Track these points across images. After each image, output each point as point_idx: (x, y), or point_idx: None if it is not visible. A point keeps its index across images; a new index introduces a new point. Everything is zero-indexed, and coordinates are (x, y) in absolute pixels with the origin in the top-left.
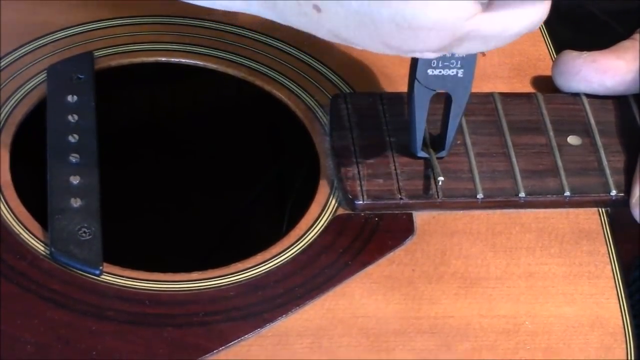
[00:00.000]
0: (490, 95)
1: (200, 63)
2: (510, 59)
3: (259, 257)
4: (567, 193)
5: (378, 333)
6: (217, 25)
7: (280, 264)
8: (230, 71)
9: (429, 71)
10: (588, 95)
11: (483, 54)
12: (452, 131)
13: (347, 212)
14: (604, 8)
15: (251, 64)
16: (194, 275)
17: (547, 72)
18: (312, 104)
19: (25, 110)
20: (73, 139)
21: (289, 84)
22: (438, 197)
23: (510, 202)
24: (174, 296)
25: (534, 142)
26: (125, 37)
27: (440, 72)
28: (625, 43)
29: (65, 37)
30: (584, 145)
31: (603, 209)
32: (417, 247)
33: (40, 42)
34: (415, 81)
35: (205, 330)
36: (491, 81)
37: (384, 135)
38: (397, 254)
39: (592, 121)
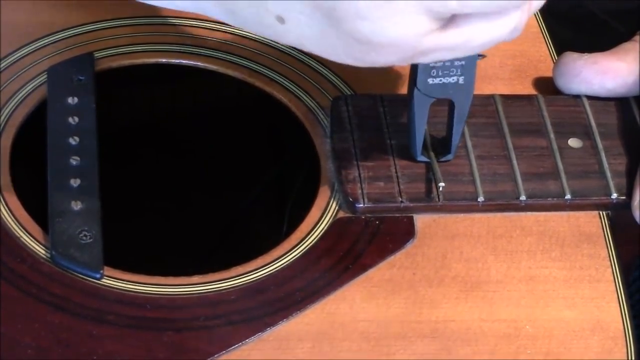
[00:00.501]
0: (491, 97)
1: (200, 64)
2: (511, 60)
3: (259, 261)
4: (568, 196)
5: (379, 337)
6: (218, 26)
7: (281, 268)
8: (231, 72)
9: (430, 80)
10: (589, 97)
11: (484, 55)
12: (457, 135)
13: (347, 215)
14: (604, 8)
15: (251, 65)
16: (195, 279)
17: (548, 74)
18: (313, 106)
19: (25, 111)
20: (73, 141)
21: (289, 85)
22: (439, 200)
23: (511, 205)
24: (174, 300)
25: (535, 145)
26: (125, 38)
27: (440, 80)
28: (626, 45)
29: (66, 38)
30: (584, 148)
31: (604, 212)
32: (418, 251)
33: (41, 43)
34: (415, 89)
35: (205, 334)
36: (492, 83)
37: (385, 137)
38: (398, 258)
39: (593, 123)
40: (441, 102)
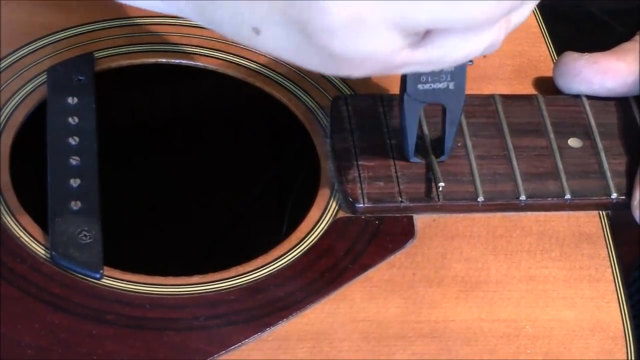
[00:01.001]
0: (490, 97)
1: (200, 64)
2: (511, 60)
3: (259, 261)
4: (568, 196)
5: (378, 337)
6: None
7: (281, 268)
8: (231, 72)
9: (419, 86)
10: (589, 97)
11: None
12: (450, 137)
13: (347, 215)
14: (604, 8)
15: (251, 65)
16: (195, 279)
17: (548, 73)
18: (313, 106)
19: (25, 112)
20: (73, 141)
21: (289, 85)
22: (439, 200)
23: (511, 205)
24: (174, 300)
25: (535, 145)
26: (125, 38)
27: (430, 86)
28: (626, 45)
29: (66, 38)
30: (584, 148)
31: (604, 212)
32: (418, 251)
33: (40, 43)
34: (405, 95)
35: (205, 334)
36: (492, 83)
37: (385, 137)
38: (398, 258)
39: (593, 123)
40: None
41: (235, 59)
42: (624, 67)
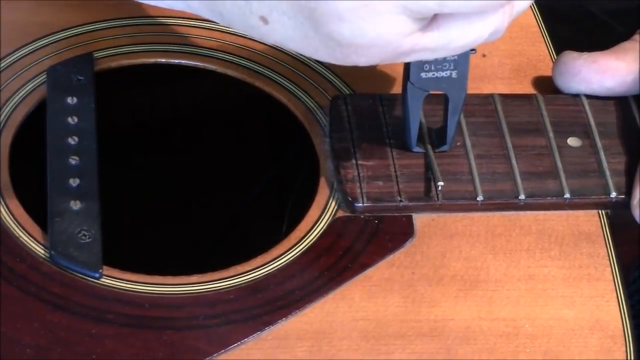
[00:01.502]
0: (490, 96)
1: (199, 64)
2: (511, 59)
3: (258, 260)
4: (567, 195)
5: (378, 336)
6: (217, 26)
7: (280, 267)
8: (230, 72)
9: (422, 74)
10: (588, 97)
11: (483, 55)
12: (452, 127)
13: (346, 214)
14: (603, 8)
15: (251, 65)
16: (194, 278)
17: (547, 73)
18: (312, 106)
19: (25, 111)
20: (73, 141)
21: (288, 85)
22: (438, 199)
23: (510, 204)
24: (173, 299)
25: (534, 144)
26: (125, 38)
27: (433, 74)
28: (626, 44)
29: (65, 38)
30: (584, 147)
31: (603, 211)
32: (417, 250)
33: (40, 43)
34: (409, 83)
35: (205, 334)
36: (491, 82)
37: (384, 136)
38: (397, 257)
39: (593, 122)
40: (439, 98)
41: (234, 59)
42: (623, 67)
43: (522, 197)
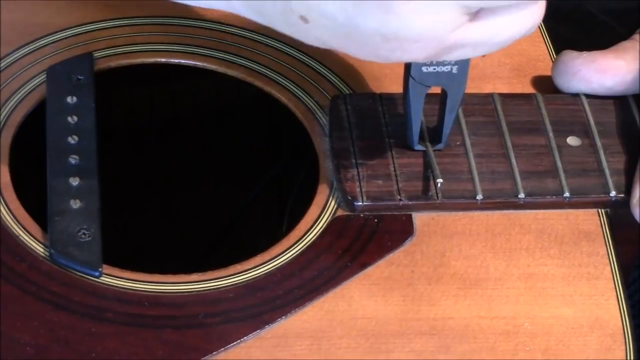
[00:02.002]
0: (489, 95)
1: (199, 64)
2: (510, 59)
3: (258, 259)
4: (567, 194)
5: (377, 334)
6: (217, 26)
7: (280, 266)
8: (230, 72)
9: (424, 69)
10: (588, 96)
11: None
12: (449, 124)
13: (346, 213)
14: (603, 7)
15: (251, 64)
16: (194, 276)
17: (547, 72)
18: (312, 105)
19: (25, 111)
20: (73, 140)
21: (288, 84)
22: (437, 198)
23: (510, 203)
24: (173, 298)
25: (534, 143)
26: (124, 38)
27: (434, 69)
28: (625, 43)
29: (65, 38)
30: (583, 146)
31: (602, 210)
32: (417, 249)
33: (40, 43)
34: (410, 78)
35: (204, 332)
36: (491, 82)
37: (384, 136)
38: (397, 255)
39: (592, 122)
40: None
41: (234, 59)
42: (622, 66)
43: (521, 196)
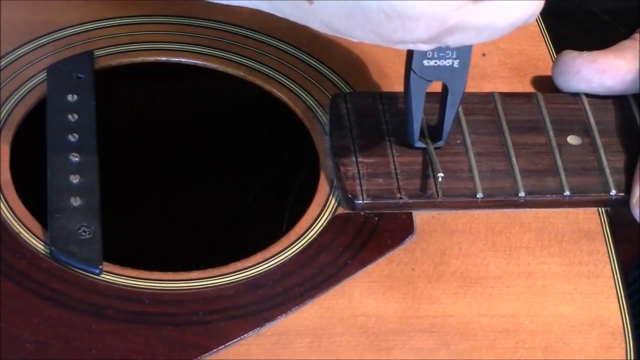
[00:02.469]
0: (490, 94)
1: (200, 62)
2: (511, 58)
3: (258, 256)
4: (567, 193)
5: (377, 332)
6: (218, 25)
7: (280, 263)
8: (230, 70)
9: (425, 62)
10: (588, 95)
11: (483, 53)
12: (449, 121)
13: (346, 211)
14: (604, 7)
15: (251, 63)
16: (194, 274)
17: (547, 72)
18: (312, 104)
19: (25, 109)
20: (73, 138)
21: (289, 83)
22: (438, 196)
23: (510, 202)
24: (173, 295)
25: (534, 142)
26: (125, 37)
27: (435, 62)
28: (626, 43)
29: (66, 36)
30: (583, 145)
31: (603, 209)
32: (417, 247)
33: (41, 41)
34: (411, 72)
35: (204, 329)
36: (491, 81)
37: (384, 134)
38: (397, 253)
39: (592, 121)
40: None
41: (235, 58)
42: (623, 65)
43: (522, 194)
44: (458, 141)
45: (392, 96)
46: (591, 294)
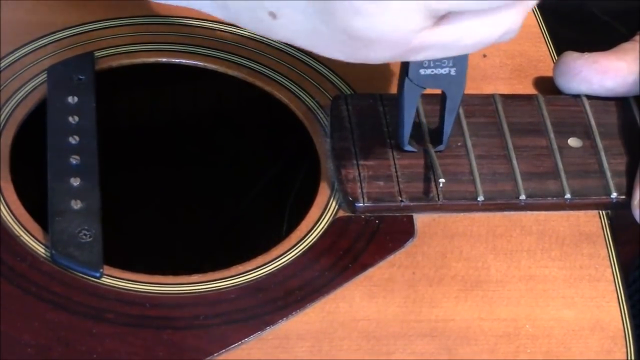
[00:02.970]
0: (491, 96)
1: (200, 64)
2: (511, 60)
3: (259, 260)
4: (568, 195)
5: (378, 336)
6: (218, 26)
7: (281, 267)
8: (231, 72)
9: (421, 71)
10: (589, 97)
11: (484, 55)
12: (449, 126)
13: (347, 214)
14: (605, 8)
15: (252, 64)
16: (194, 277)
17: (548, 73)
18: (313, 105)
19: (25, 111)
20: (73, 140)
21: (289, 85)
22: (439, 199)
23: (511, 205)
24: (174, 299)
25: (535, 144)
26: (125, 38)
27: (432, 71)
28: (626, 45)
29: (66, 37)
30: (584, 148)
31: (604, 212)
32: (418, 250)
33: (41, 42)
34: (406, 79)
35: (205, 333)
36: (492, 82)
37: (385, 136)
38: (398, 257)
39: (593, 123)
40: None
41: (235, 59)
42: (623, 67)
43: (522, 197)
44: (459, 144)
45: (393, 98)
46: (592, 297)
